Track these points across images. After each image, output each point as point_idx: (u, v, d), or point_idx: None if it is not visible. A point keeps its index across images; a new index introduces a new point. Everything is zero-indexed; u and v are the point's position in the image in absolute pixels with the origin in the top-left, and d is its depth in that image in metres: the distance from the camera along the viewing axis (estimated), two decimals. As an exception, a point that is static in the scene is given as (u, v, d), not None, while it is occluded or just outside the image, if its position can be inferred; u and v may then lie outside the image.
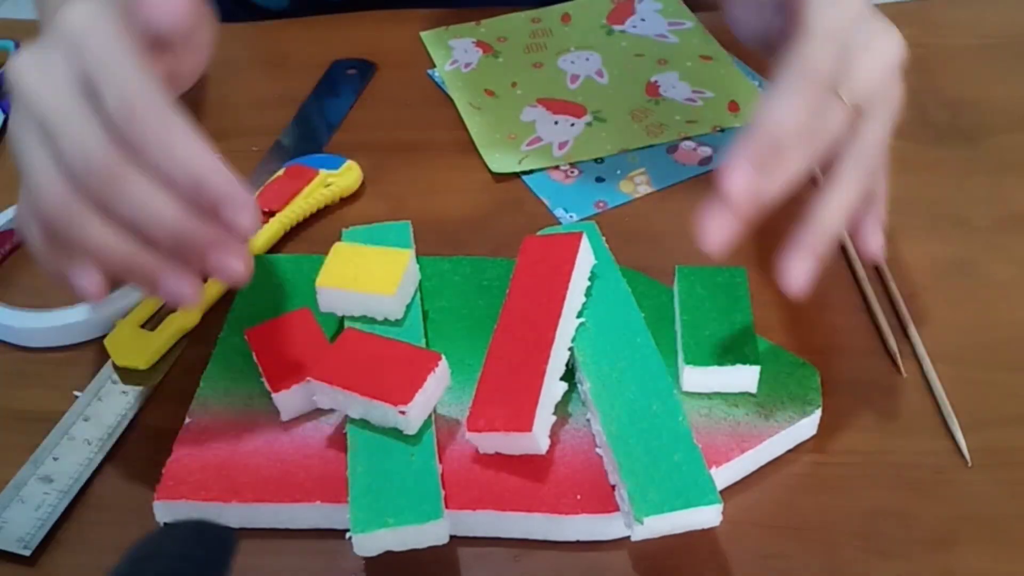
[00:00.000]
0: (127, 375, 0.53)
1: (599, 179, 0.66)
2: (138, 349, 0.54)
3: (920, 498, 0.48)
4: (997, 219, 0.61)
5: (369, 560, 0.46)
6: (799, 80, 0.45)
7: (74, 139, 0.41)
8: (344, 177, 0.64)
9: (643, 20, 0.78)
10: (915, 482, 0.49)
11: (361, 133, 0.70)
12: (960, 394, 0.52)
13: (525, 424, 0.46)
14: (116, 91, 0.42)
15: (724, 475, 0.48)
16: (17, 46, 0.76)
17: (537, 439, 0.47)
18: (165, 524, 0.47)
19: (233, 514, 0.47)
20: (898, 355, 0.53)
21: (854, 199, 0.47)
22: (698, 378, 0.50)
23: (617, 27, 0.77)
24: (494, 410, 0.47)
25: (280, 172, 0.64)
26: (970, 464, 0.49)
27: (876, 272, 0.58)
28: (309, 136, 0.69)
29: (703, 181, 0.65)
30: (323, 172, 0.64)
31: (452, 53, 0.76)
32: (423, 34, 0.78)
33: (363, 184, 0.65)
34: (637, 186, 0.65)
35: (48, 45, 0.44)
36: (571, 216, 0.63)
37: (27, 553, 0.46)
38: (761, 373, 0.50)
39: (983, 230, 0.61)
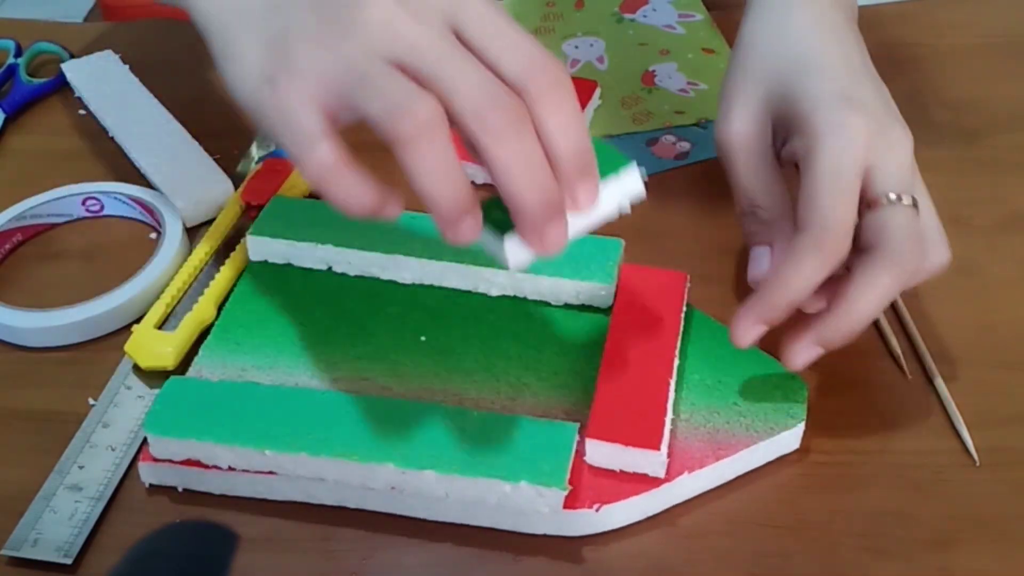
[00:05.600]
0: (146, 377, 0.54)
1: None
2: (162, 350, 0.54)
3: (921, 498, 0.48)
4: (997, 219, 0.61)
5: (368, 562, 0.46)
6: (817, 239, 0.47)
7: (474, 81, 0.42)
8: None
9: (654, 10, 0.78)
10: (915, 482, 0.49)
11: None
12: (961, 394, 0.52)
13: (653, 442, 0.46)
14: (518, 59, 0.43)
15: (699, 481, 0.48)
16: (17, 46, 0.76)
17: (663, 458, 0.47)
18: (166, 524, 0.47)
19: (213, 480, 0.48)
20: (901, 356, 0.53)
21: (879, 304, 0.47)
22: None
23: (628, 15, 0.78)
24: (618, 424, 0.47)
25: (258, 167, 0.64)
26: (978, 463, 0.49)
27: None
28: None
29: (675, 175, 0.65)
30: None
31: None
32: None
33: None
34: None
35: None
36: None
37: (68, 562, 0.46)
38: (748, 382, 0.51)
39: (983, 230, 0.61)
